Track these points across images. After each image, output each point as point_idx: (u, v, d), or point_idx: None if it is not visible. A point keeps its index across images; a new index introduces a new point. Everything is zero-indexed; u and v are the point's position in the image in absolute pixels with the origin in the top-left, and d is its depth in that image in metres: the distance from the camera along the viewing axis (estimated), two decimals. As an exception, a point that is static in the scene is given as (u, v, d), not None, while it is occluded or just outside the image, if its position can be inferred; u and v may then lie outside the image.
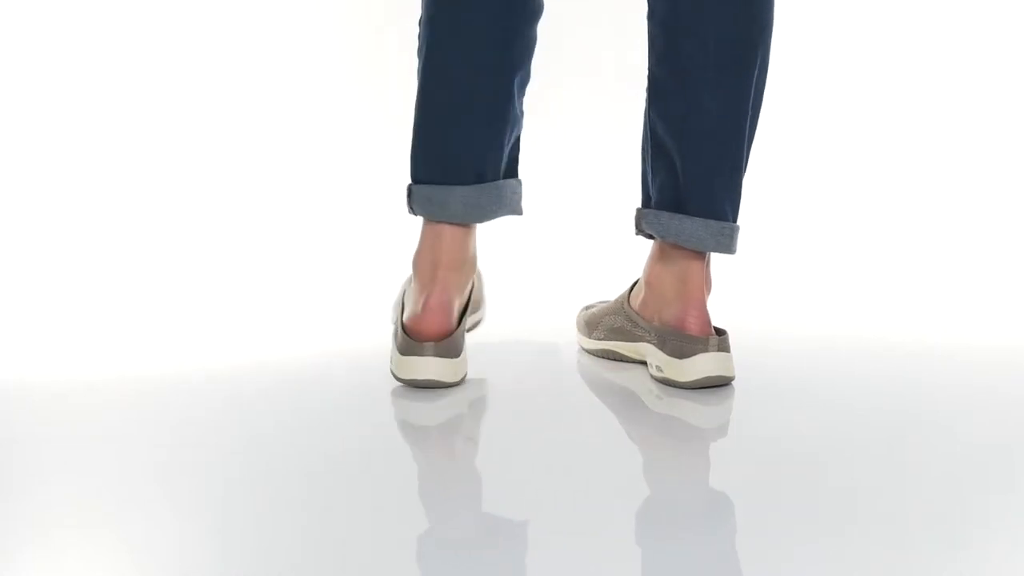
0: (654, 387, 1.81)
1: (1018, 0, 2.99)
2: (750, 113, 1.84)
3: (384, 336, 1.97)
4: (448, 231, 1.86)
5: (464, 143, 1.86)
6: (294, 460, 1.56)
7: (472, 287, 1.93)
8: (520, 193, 1.92)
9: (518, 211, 1.92)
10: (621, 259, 2.15)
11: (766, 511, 1.36)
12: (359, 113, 2.97)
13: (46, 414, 1.76)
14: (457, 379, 1.81)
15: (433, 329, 1.82)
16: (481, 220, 1.87)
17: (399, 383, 1.83)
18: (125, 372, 1.95)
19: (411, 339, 1.81)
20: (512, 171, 1.91)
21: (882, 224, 2.81)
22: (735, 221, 1.85)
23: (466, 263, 1.87)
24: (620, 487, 1.47)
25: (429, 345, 1.79)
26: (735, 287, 2.48)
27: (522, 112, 1.90)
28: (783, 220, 2.82)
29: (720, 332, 1.82)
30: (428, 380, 1.79)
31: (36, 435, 1.67)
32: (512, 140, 1.89)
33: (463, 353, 1.83)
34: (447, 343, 1.80)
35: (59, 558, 1.26)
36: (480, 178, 1.85)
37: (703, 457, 1.59)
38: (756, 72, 1.83)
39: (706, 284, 1.88)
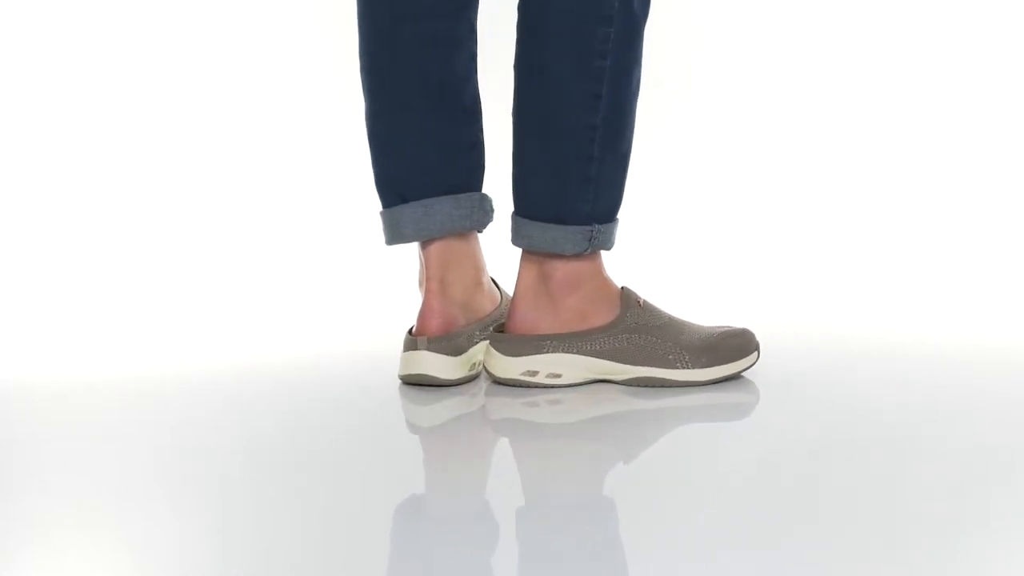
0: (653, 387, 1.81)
1: (1018, 0, 2.99)
2: (573, 111, 1.75)
3: (385, 335, 1.98)
4: (424, 248, 1.86)
5: (377, 163, 1.86)
6: (294, 460, 1.56)
7: (500, 307, 1.91)
8: (468, 208, 1.84)
9: (457, 228, 1.84)
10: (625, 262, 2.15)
11: (765, 511, 1.36)
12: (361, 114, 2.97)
13: (46, 414, 1.76)
14: (454, 377, 1.81)
15: (427, 327, 1.82)
16: (405, 241, 1.85)
17: (402, 384, 1.83)
18: (125, 372, 1.95)
19: (408, 336, 1.82)
20: (460, 185, 1.85)
21: (882, 225, 2.81)
22: (547, 221, 1.78)
23: (454, 275, 1.85)
24: (620, 487, 1.47)
25: (423, 339, 1.80)
26: (736, 288, 2.48)
27: (459, 127, 1.84)
28: (783, 221, 2.82)
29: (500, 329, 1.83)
30: (421, 375, 1.80)
31: (36, 435, 1.67)
32: (450, 154, 1.84)
33: (466, 355, 1.83)
34: (442, 339, 1.80)
35: (59, 558, 1.26)
36: (402, 198, 1.84)
37: (703, 457, 1.59)
38: (568, 72, 1.74)
39: (543, 281, 1.82)
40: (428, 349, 1.79)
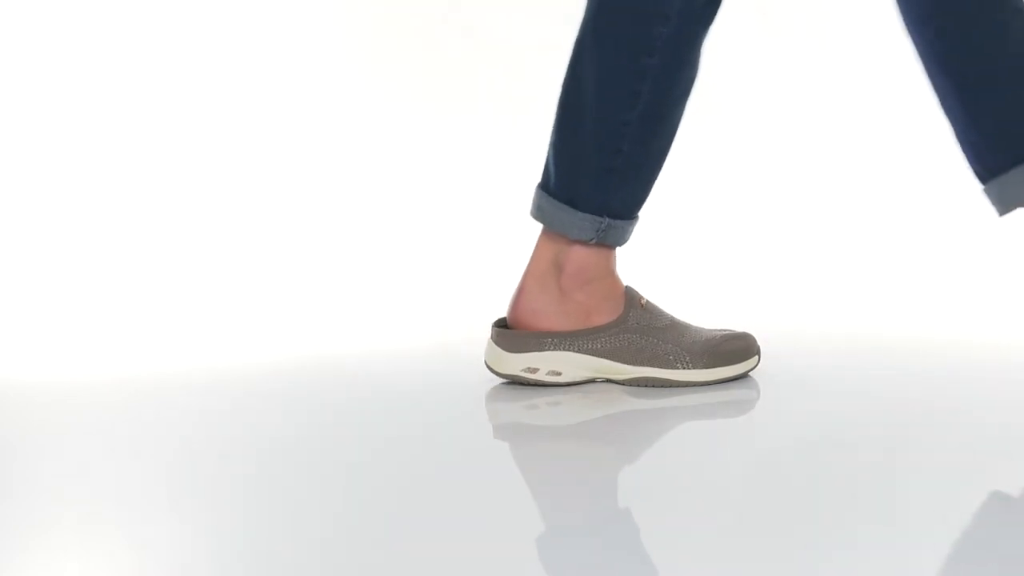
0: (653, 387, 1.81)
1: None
2: (608, 105, 1.76)
3: (385, 335, 1.97)
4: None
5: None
6: (295, 460, 1.57)
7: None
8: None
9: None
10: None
11: (765, 511, 1.37)
12: (365, 113, 2.97)
13: (46, 414, 1.76)
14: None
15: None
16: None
17: (400, 385, 1.83)
18: (125, 372, 1.96)
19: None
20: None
21: (882, 224, 2.81)
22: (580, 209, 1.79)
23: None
24: (620, 487, 1.48)
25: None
26: (736, 288, 2.49)
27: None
28: (783, 223, 2.82)
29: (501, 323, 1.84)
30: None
31: (36, 435, 1.67)
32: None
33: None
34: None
35: (59, 558, 1.26)
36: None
37: (704, 457, 1.59)
38: (612, 66, 1.75)
39: (548, 268, 1.83)
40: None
